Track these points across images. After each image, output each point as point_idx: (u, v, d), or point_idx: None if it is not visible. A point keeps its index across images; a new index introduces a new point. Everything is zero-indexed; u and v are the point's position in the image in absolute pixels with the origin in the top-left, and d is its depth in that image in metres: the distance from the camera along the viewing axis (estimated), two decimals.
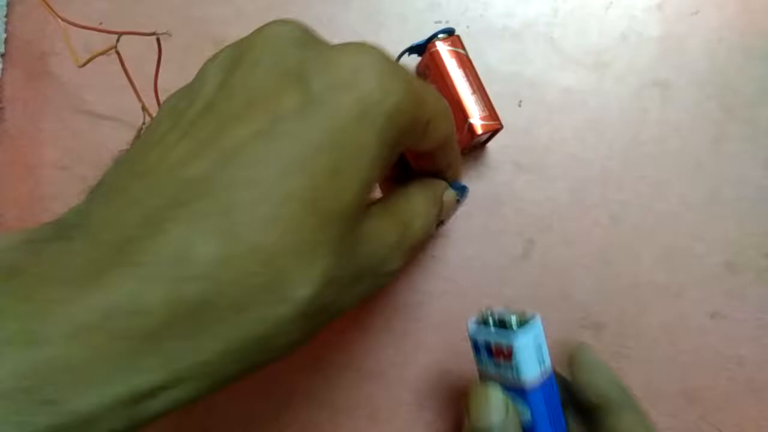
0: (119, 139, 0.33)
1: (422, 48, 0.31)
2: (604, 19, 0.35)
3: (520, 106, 0.34)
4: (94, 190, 0.19)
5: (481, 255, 0.32)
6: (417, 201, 0.23)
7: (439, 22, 0.34)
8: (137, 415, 0.15)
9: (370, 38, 0.34)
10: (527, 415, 0.24)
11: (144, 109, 0.31)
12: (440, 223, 0.26)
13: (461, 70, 0.31)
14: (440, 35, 0.31)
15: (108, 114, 0.34)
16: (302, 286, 0.16)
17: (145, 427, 0.16)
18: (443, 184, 0.25)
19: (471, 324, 0.26)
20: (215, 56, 0.21)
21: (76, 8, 0.34)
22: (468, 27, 0.34)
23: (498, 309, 0.25)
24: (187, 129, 0.18)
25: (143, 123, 0.31)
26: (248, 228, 0.16)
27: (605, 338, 0.32)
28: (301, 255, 0.16)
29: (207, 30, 0.34)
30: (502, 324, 0.25)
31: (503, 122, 0.31)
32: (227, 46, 0.21)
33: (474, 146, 0.32)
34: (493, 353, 0.24)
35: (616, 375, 0.26)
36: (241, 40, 0.20)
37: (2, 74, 0.34)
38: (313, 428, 0.31)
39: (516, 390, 0.24)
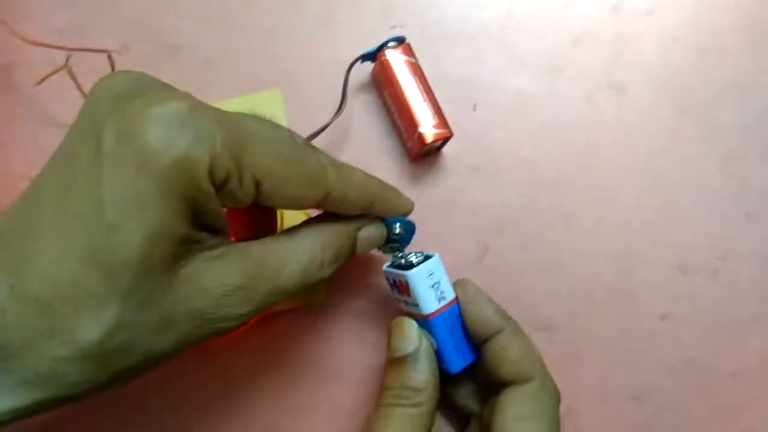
0: None
1: (374, 55, 0.32)
2: (560, 21, 0.35)
3: (474, 110, 0.34)
4: None
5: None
6: (296, 246, 0.23)
7: (395, 26, 0.35)
8: None
9: (326, 45, 0.34)
10: (434, 342, 0.27)
11: None
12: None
13: (411, 78, 0.31)
14: (390, 43, 0.31)
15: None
16: (85, 330, 0.18)
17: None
18: (352, 225, 0.25)
19: (385, 266, 0.29)
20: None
21: (38, 21, 0.35)
22: (422, 32, 0.35)
23: (407, 252, 0.28)
24: (29, 185, 0.21)
25: None
26: (29, 280, 0.18)
27: (557, 339, 0.33)
28: (83, 304, 0.18)
29: (165, 40, 0.35)
30: (408, 265, 0.27)
31: (457, 127, 0.32)
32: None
33: (426, 153, 0.33)
34: (400, 289, 0.28)
35: (493, 301, 0.28)
36: None
37: None
38: (277, 429, 0.32)
39: (420, 320, 0.27)
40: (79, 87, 0.30)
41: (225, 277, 0.21)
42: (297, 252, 0.23)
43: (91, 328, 0.18)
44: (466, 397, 0.29)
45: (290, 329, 0.32)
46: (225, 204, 0.21)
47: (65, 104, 0.34)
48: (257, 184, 0.21)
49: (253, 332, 0.32)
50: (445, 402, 0.30)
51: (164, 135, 0.18)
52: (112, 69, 0.30)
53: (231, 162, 0.20)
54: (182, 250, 0.20)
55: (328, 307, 0.33)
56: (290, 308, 0.32)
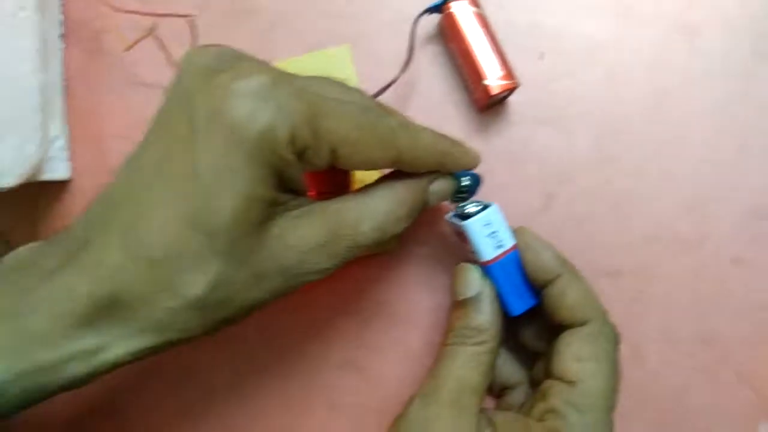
0: None
1: (440, 7, 0.32)
2: None
3: (541, 58, 0.34)
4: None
5: (501, 206, 0.33)
6: (372, 203, 0.25)
7: None
8: (92, 364, 0.22)
9: (390, 0, 0.35)
10: (495, 288, 0.28)
11: None
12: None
13: (477, 29, 0.31)
14: None
15: (158, 85, 0.37)
16: (191, 286, 0.21)
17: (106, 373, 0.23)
18: (424, 180, 0.26)
19: (447, 216, 0.30)
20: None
21: None
22: None
23: (467, 203, 0.29)
24: (131, 152, 0.23)
25: None
26: (142, 242, 0.21)
27: (623, 285, 0.33)
28: (188, 263, 0.21)
29: (239, 1, 0.36)
30: (466, 215, 0.29)
31: (524, 76, 0.32)
32: None
33: (493, 104, 0.33)
34: (460, 237, 0.29)
35: (551, 248, 0.28)
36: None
37: (64, 53, 0.37)
38: (354, 364, 0.35)
39: (482, 268, 0.29)
40: (164, 48, 0.33)
41: (308, 236, 0.23)
42: (373, 209, 0.25)
43: (196, 284, 0.21)
44: (533, 337, 0.31)
45: (364, 274, 0.34)
46: (304, 168, 0.23)
47: (151, 66, 0.37)
48: (332, 151, 0.23)
49: (329, 277, 0.34)
50: (515, 341, 0.32)
51: (248, 110, 0.20)
52: (193, 33, 0.32)
53: (308, 133, 0.22)
54: (270, 212, 0.22)
55: (399, 254, 0.35)
56: (364, 255, 0.34)
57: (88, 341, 0.22)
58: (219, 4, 0.36)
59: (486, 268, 0.29)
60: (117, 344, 0.22)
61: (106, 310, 0.22)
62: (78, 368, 0.22)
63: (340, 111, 0.22)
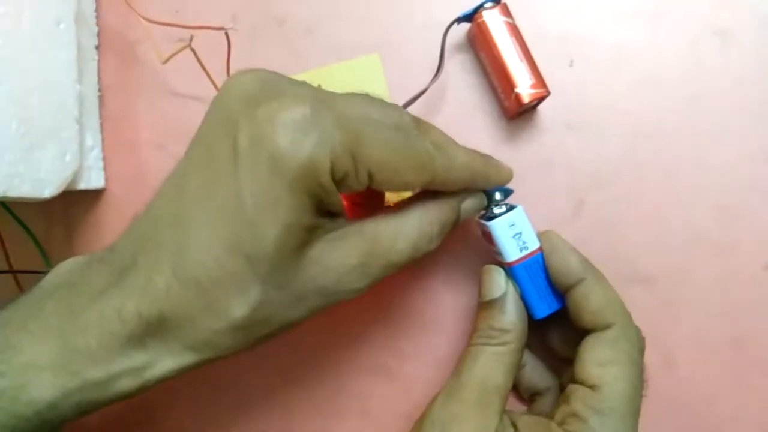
0: (201, 118, 0.36)
1: (470, 17, 0.32)
2: None
3: (571, 65, 0.34)
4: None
5: (531, 216, 0.33)
6: (405, 223, 0.25)
7: None
8: (140, 379, 0.23)
9: (422, 8, 0.35)
10: (519, 290, 0.29)
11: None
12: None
13: (507, 38, 0.32)
14: (487, 4, 0.32)
15: (191, 95, 0.37)
16: (235, 308, 0.22)
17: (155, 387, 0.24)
18: (455, 199, 0.27)
19: (476, 217, 0.31)
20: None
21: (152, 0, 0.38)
22: None
23: (493, 204, 0.30)
24: (174, 171, 0.24)
25: None
26: (189, 266, 0.22)
27: (655, 291, 0.33)
28: (232, 287, 0.22)
29: (271, 11, 0.37)
30: (492, 216, 0.29)
31: (554, 83, 0.32)
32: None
33: (523, 111, 0.33)
34: (486, 238, 0.30)
35: (576, 251, 0.29)
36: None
37: (99, 64, 0.38)
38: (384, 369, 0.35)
39: (505, 268, 0.29)
40: (199, 61, 0.33)
41: (345, 258, 0.24)
42: (406, 229, 0.25)
43: (239, 307, 0.22)
44: (562, 343, 0.31)
45: (393, 281, 0.35)
46: (341, 192, 0.24)
47: (184, 76, 0.37)
48: (370, 175, 0.23)
49: None
50: (545, 347, 0.32)
51: (291, 141, 0.21)
52: (228, 45, 0.33)
53: (348, 161, 0.22)
54: (309, 237, 0.23)
55: (428, 262, 0.35)
56: None
57: (136, 359, 0.23)
58: (250, 15, 0.37)
59: (510, 270, 0.29)
60: (164, 361, 0.23)
61: (154, 330, 0.23)
62: (127, 384, 0.23)
63: (379, 137, 0.23)
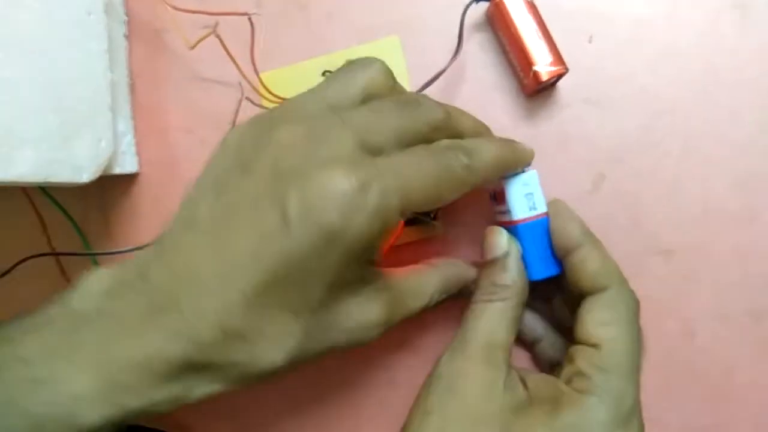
0: (228, 102, 0.37)
1: None
2: None
3: (590, 42, 0.34)
4: (158, 239, 0.26)
5: (551, 191, 0.34)
6: (428, 282, 0.29)
7: None
8: (178, 403, 0.25)
9: None
10: (521, 249, 0.30)
11: (243, 79, 0.36)
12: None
13: (525, 16, 0.32)
14: None
15: (217, 80, 0.38)
16: (275, 356, 0.24)
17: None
18: (472, 270, 0.31)
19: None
20: (226, 146, 0.27)
21: None
22: None
23: None
24: (208, 223, 0.25)
25: (242, 96, 0.35)
26: (234, 319, 0.24)
27: (674, 264, 0.34)
28: (275, 337, 0.24)
29: None
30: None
31: (573, 59, 0.33)
32: (236, 136, 0.27)
33: (542, 89, 0.34)
34: (497, 198, 0.31)
35: (578, 219, 0.30)
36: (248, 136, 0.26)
37: (128, 52, 0.39)
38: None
39: (510, 228, 0.30)
40: (224, 47, 0.34)
41: (373, 315, 0.26)
42: (425, 291, 0.29)
43: (278, 355, 0.25)
44: (561, 310, 0.33)
45: (412, 259, 0.36)
46: None
47: (210, 62, 0.38)
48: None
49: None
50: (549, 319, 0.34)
51: (342, 217, 0.23)
52: (252, 30, 0.34)
53: (396, 218, 0.24)
54: (346, 288, 0.25)
55: (444, 239, 0.36)
56: (411, 240, 0.35)
57: (173, 390, 0.24)
58: (272, 1, 0.38)
59: (516, 228, 0.30)
60: (200, 390, 0.25)
61: (196, 368, 0.24)
62: (164, 408, 0.24)
63: (423, 181, 0.25)
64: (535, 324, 0.34)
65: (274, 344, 0.24)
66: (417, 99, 0.28)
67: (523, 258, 0.30)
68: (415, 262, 0.35)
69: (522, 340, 0.34)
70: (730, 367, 0.33)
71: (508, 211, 0.30)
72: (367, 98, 0.27)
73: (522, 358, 0.35)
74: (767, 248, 0.33)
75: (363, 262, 0.25)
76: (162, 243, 0.26)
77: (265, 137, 0.25)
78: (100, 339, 0.24)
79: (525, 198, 0.30)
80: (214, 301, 0.24)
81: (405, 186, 0.24)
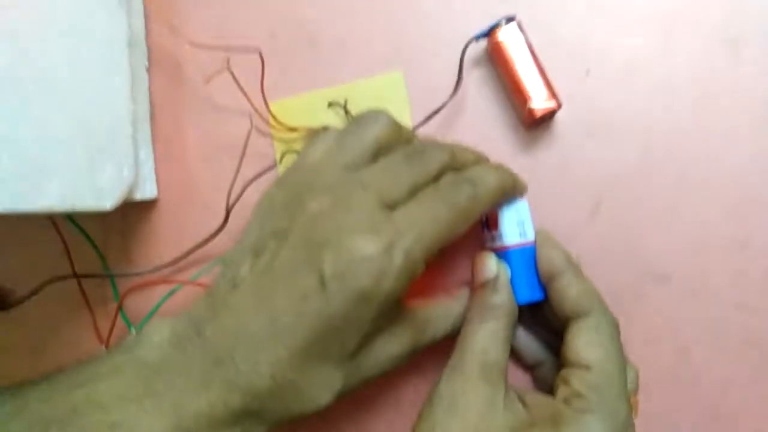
0: (241, 130, 0.39)
1: (486, 35, 0.35)
2: None
3: (587, 75, 0.36)
4: (206, 296, 0.30)
5: (550, 218, 0.35)
6: (443, 317, 0.32)
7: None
8: None
9: (443, 24, 0.37)
10: (510, 274, 0.32)
11: (254, 111, 0.38)
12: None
13: (521, 55, 0.34)
14: (502, 23, 0.34)
15: (231, 110, 0.40)
16: (323, 398, 0.28)
17: None
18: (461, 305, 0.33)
19: None
20: (260, 212, 0.31)
21: (197, 19, 0.41)
22: (533, 1, 0.36)
23: None
24: (252, 285, 0.28)
25: (251, 126, 0.37)
26: (286, 371, 0.27)
27: (670, 289, 0.35)
28: (322, 383, 0.28)
29: (303, 30, 0.39)
30: None
31: (571, 91, 0.35)
32: (267, 203, 0.31)
33: (540, 121, 0.35)
34: (489, 224, 0.34)
35: (562, 248, 0.32)
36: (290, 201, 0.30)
37: (149, 84, 0.42)
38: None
39: (500, 253, 0.33)
40: (236, 81, 0.36)
41: (399, 348, 0.30)
42: (446, 320, 0.32)
43: (325, 397, 0.28)
44: (547, 333, 0.35)
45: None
46: None
47: (225, 93, 0.40)
48: None
49: None
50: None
51: (373, 279, 0.26)
52: (262, 64, 0.36)
53: (422, 267, 0.27)
54: (376, 333, 0.28)
55: (439, 263, 0.37)
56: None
57: (234, 431, 0.27)
58: (284, 34, 0.40)
59: (506, 253, 0.32)
60: (254, 430, 0.28)
61: (249, 413, 0.27)
62: None
63: (438, 227, 0.28)
64: (536, 348, 0.35)
65: (320, 390, 0.28)
66: (424, 149, 0.30)
67: (511, 281, 0.32)
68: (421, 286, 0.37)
69: (524, 364, 0.36)
70: (725, 389, 0.34)
71: (499, 237, 0.32)
72: (378, 152, 0.30)
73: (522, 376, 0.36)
74: (760, 274, 0.34)
75: (391, 306, 0.28)
76: (212, 301, 0.29)
77: (296, 206, 0.28)
78: (168, 387, 0.27)
79: (517, 225, 0.32)
80: (265, 356, 0.27)
81: (423, 237, 0.27)
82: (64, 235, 0.40)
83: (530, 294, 0.32)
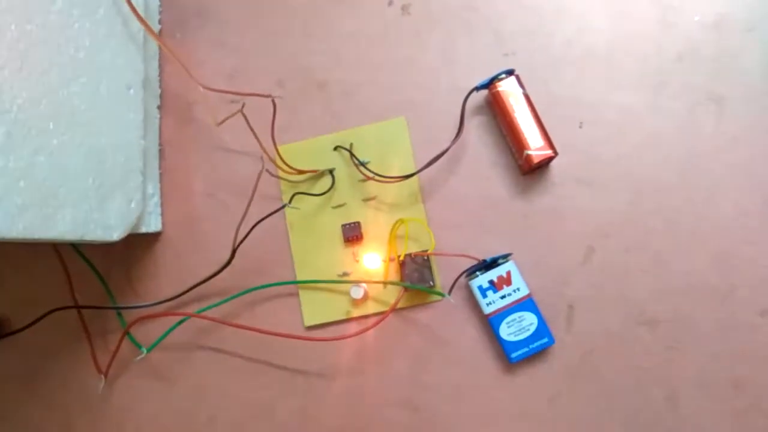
0: (247, 170, 0.41)
1: (487, 85, 0.37)
2: (662, 40, 0.38)
3: (581, 127, 0.38)
4: None
5: (544, 261, 0.37)
6: None
7: (507, 54, 0.39)
8: None
9: (446, 74, 0.40)
10: (535, 320, 0.35)
11: (263, 153, 0.39)
12: None
13: (519, 106, 0.36)
14: (501, 75, 0.36)
15: (240, 150, 0.42)
16: None
17: None
18: None
19: (470, 281, 0.37)
20: None
21: (209, 64, 0.43)
22: (531, 57, 0.39)
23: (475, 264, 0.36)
24: None
25: (263, 167, 0.39)
26: None
27: (659, 334, 0.36)
28: None
29: (312, 76, 0.41)
30: (491, 262, 0.36)
31: (565, 142, 0.36)
32: None
33: (536, 168, 0.37)
34: (497, 286, 0.35)
35: None
36: None
37: (160, 122, 0.43)
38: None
39: (521, 305, 0.35)
40: (248, 124, 0.38)
41: None
42: None
43: None
44: None
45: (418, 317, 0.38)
46: None
47: (234, 134, 0.42)
48: None
49: (387, 323, 0.38)
50: None
51: None
52: (274, 110, 0.37)
53: None
54: None
55: (445, 302, 0.38)
56: (413, 305, 0.38)
57: None
58: (293, 81, 0.41)
59: (529, 302, 0.35)
60: None
61: None
62: None
63: None
64: None
65: None
66: None
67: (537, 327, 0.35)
68: (421, 323, 0.38)
69: None
70: None
71: (516, 290, 0.36)
72: None
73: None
74: (746, 320, 0.36)
75: None
76: None
77: None
78: None
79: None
80: None
81: None
82: (67, 265, 0.41)
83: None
